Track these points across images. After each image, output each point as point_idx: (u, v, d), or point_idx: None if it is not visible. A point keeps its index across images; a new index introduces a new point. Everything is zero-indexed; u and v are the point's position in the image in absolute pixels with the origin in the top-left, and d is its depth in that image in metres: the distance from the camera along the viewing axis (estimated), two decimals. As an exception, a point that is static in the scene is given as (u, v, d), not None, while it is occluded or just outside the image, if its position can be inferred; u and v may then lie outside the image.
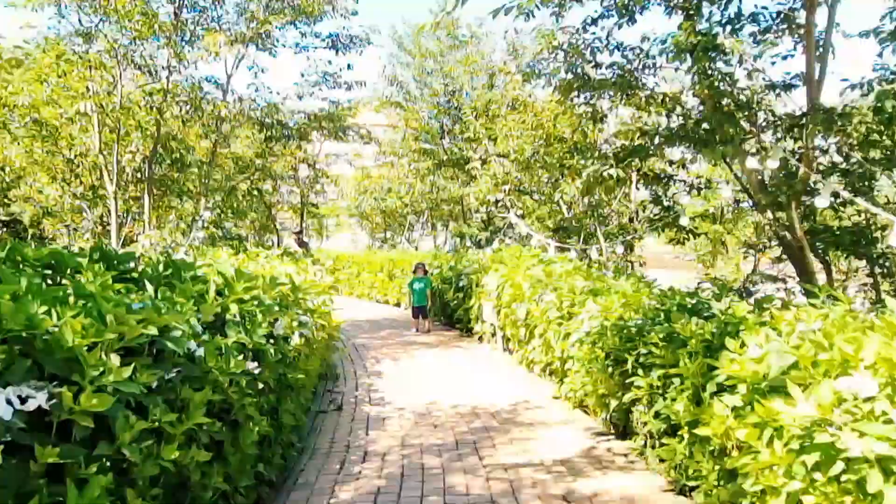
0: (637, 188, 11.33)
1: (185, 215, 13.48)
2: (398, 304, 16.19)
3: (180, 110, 9.44)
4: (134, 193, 11.98)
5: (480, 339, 10.65)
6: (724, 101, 5.90)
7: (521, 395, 6.96)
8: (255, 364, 3.72)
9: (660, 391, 4.38)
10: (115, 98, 9.02)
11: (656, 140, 6.89)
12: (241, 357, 3.55)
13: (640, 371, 4.69)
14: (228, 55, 9.68)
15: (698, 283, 8.80)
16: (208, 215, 11.35)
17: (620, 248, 10.06)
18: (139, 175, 10.96)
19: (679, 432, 4.00)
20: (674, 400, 4.08)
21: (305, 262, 8.04)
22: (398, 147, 18.20)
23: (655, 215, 8.91)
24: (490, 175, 11.73)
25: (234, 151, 16.07)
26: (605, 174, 6.91)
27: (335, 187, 27.52)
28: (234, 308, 3.99)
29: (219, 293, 4.23)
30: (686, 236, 8.80)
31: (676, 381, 4.11)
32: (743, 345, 3.56)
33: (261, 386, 3.83)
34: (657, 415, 4.43)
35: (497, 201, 11.82)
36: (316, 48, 11.68)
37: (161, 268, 4.66)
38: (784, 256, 8.59)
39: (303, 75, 11.85)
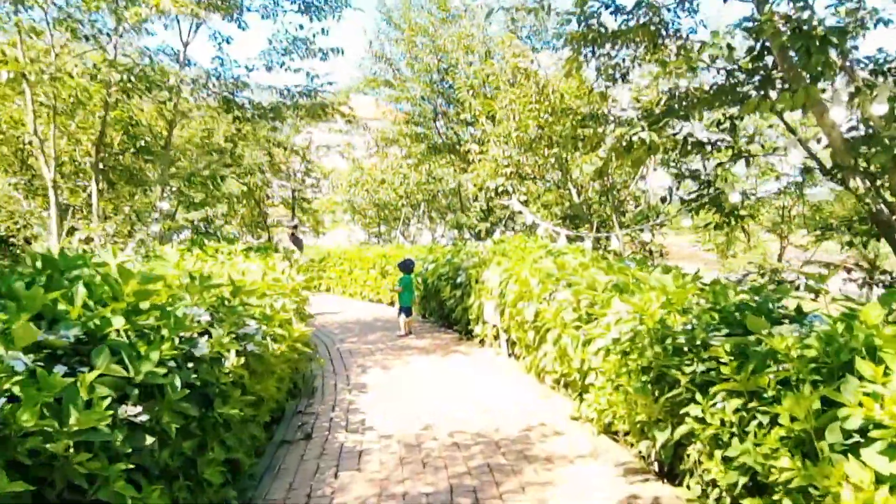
0: (655, 168, 10.07)
1: (142, 207, 12.22)
2: (392, 304, 14.92)
3: (122, 79, 8.11)
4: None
5: (482, 342, 9.40)
6: (809, 23, 4.55)
7: (532, 414, 5.72)
8: (139, 409, 2.47)
9: (733, 428, 3.13)
10: (43, 66, 7.71)
11: (691, 101, 5.63)
12: (108, 400, 2.30)
13: (698, 396, 3.44)
14: (181, 16, 8.39)
15: (744, 275, 7.52)
16: (166, 206, 10.10)
17: (648, 235, 8.69)
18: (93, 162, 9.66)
19: (774, 496, 2.74)
20: (758, 445, 2.83)
21: (273, 258, 6.77)
22: (389, 133, 16.81)
23: (692, 193, 7.59)
24: (489, 158, 10.42)
25: (213, 141, 14.77)
26: (634, 139, 5.60)
27: (328, 181, 26.30)
28: (117, 323, 2.73)
29: (103, 303, 2.98)
30: (728, 219, 7.45)
31: (763, 418, 2.85)
32: (887, 371, 2.30)
33: (150, 440, 2.56)
34: (727, 460, 3.18)
35: (497, 188, 10.55)
36: (286, 12, 10.35)
37: (39, 266, 3.43)
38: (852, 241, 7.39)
39: (270, 42, 10.51)
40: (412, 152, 15.95)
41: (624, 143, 5.74)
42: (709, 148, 6.44)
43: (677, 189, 7.92)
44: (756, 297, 4.05)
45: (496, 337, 8.94)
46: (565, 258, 7.29)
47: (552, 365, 6.32)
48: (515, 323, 7.62)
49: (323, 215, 32.94)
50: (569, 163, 9.47)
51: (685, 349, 3.75)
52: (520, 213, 9.75)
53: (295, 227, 13.74)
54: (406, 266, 10.84)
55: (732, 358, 3.17)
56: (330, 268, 18.39)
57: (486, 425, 5.39)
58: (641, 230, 9.50)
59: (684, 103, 5.84)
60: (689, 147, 6.37)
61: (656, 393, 4.00)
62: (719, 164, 7.84)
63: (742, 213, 7.44)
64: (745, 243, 15.05)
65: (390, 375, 7.67)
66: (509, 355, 8.41)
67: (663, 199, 8.81)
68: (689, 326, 3.90)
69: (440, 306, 11.11)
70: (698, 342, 3.61)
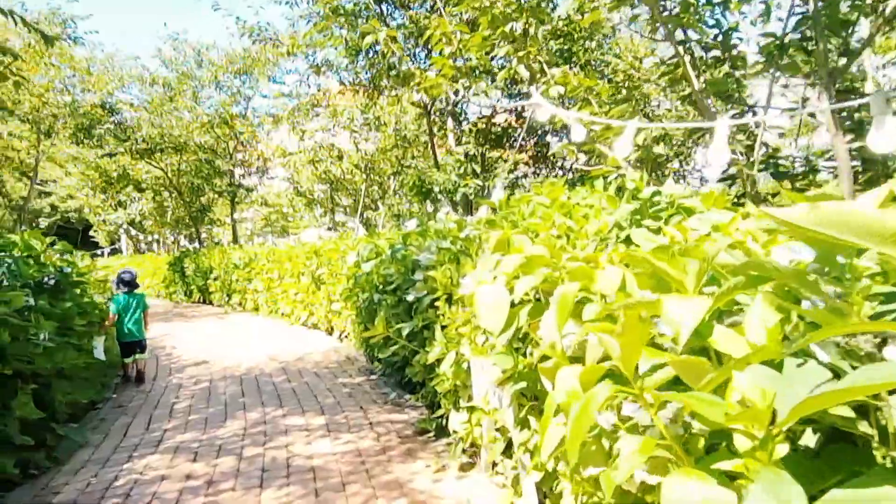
0: None
1: None
2: (331, 331, 9.30)
3: None
4: None
5: (470, 451, 3.79)
6: None
7: None
8: None
9: None
10: None
11: None
12: None
13: None
14: None
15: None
16: None
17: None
18: None
19: None
20: None
21: None
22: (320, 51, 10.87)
23: None
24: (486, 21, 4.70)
25: None
26: None
27: (282, 164, 20.45)
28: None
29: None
30: None
31: None
32: None
33: None
34: None
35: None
36: None
37: None
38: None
39: None
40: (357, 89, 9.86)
41: None
42: None
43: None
44: None
45: (510, 452, 3.31)
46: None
47: None
48: (575, 472, 1.95)
49: (295, 212, 27.07)
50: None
51: None
52: (550, 122, 4.20)
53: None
54: (124, 282, 6.83)
55: None
56: (256, 276, 12.74)
57: None
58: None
59: None
60: None
61: None
62: None
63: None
64: None
65: None
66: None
67: None
68: None
69: (383, 349, 5.43)
70: None
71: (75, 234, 47.80)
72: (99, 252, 37.86)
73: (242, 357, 7.98)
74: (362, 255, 6.25)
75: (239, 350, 8.52)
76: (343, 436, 4.49)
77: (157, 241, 26.67)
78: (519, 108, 6.12)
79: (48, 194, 34.68)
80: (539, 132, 9.87)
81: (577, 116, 3.55)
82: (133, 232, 27.85)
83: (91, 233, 39.01)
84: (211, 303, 15.53)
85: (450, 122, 9.37)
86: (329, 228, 15.83)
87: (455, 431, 3.73)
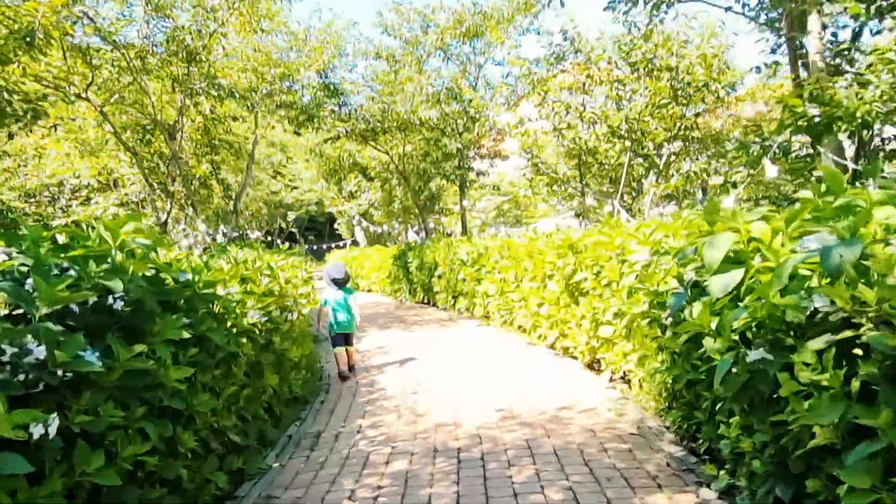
0: None
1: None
2: (595, 366, 6.34)
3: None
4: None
5: None
6: None
7: None
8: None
9: None
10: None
11: None
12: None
13: None
14: None
15: None
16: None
17: None
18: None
19: None
20: None
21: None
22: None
23: None
24: None
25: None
26: None
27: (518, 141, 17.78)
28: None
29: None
30: None
31: None
32: None
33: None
34: None
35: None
36: None
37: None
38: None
39: None
40: None
41: None
42: None
43: None
44: None
45: None
46: None
47: None
48: None
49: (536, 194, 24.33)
50: None
51: None
52: None
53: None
54: (336, 277, 6.94)
55: None
56: (486, 276, 10.25)
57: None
58: None
59: None
60: None
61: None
62: None
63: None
64: None
65: None
66: None
67: None
68: None
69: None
70: None
71: (322, 226, 50.91)
72: (342, 244, 39.47)
73: (465, 406, 5.39)
74: (687, 257, 3.17)
75: (461, 389, 5.99)
76: None
77: (389, 234, 26.02)
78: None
79: (295, 188, 36.57)
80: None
81: None
82: (364, 223, 27.65)
83: (336, 225, 40.80)
84: (435, 304, 13.55)
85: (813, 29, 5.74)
86: (578, 215, 12.86)
87: None
